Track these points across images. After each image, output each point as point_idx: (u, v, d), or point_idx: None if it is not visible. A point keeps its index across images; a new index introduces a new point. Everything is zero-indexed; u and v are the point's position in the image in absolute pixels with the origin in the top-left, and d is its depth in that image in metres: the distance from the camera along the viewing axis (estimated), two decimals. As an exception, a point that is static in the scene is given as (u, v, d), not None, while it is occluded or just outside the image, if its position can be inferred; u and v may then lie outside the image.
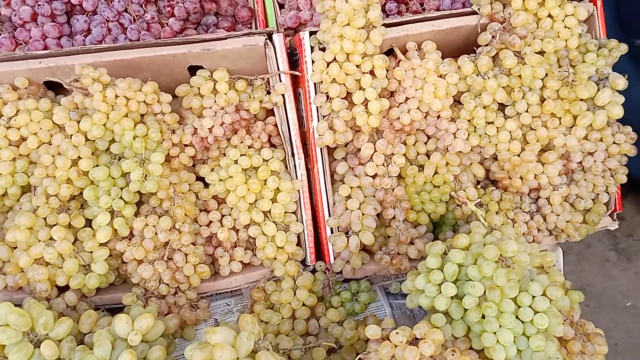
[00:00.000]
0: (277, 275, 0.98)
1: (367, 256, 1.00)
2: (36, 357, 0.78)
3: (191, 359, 0.69)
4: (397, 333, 0.71)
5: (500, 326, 0.72)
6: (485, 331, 0.73)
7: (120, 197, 0.92)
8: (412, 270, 0.95)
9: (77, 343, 0.82)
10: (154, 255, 0.94)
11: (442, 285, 0.76)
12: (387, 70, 0.95)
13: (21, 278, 0.91)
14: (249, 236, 0.99)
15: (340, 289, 1.00)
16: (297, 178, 0.99)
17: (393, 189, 0.98)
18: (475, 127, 0.99)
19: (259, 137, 1.00)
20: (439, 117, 0.98)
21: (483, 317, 0.74)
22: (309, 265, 1.01)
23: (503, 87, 0.95)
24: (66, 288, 0.93)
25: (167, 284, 0.94)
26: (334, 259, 1.00)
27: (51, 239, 0.90)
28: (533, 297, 0.74)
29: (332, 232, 0.99)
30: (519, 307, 0.74)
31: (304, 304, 0.96)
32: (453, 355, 0.69)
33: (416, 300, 0.80)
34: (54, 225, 0.90)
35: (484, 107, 0.97)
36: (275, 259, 0.98)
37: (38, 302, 0.82)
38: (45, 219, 0.90)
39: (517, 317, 0.73)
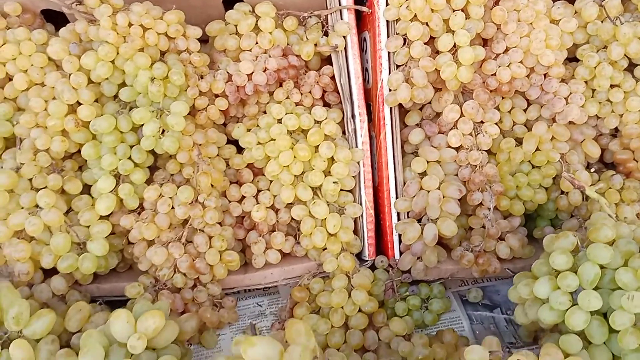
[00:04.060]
0: (327, 270, 0.76)
1: (444, 252, 0.77)
2: (2, 360, 0.57)
3: (215, 382, 0.47)
4: (518, 360, 0.48)
5: (671, 360, 0.49)
6: (648, 365, 0.49)
7: (129, 158, 0.71)
8: (503, 271, 0.73)
9: (62, 345, 0.62)
10: (168, 235, 0.73)
11: (579, 296, 0.53)
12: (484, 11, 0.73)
13: (-3, 256, 0.70)
14: (292, 218, 0.77)
15: (407, 294, 0.77)
16: (357, 146, 0.76)
17: (482, 167, 0.75)
18: (594, 91, 0.76)
19: (310, 91, 0.77)
20: (546, 75, 0.75)
21: (642, 344, 0.50)
22: (367, 261, 0.79)
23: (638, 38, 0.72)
24: (55, 272, 0.72)
25: (184, 274, 0.73)
26: (401, 253, 0.77)
27: (37, 206, 0.69)
28: None
29: (399, 219, 0.77)
30: (694, 332, 0.50)
31: (360, 310, 0.73)
32: (604, 399, 0.46)
33: (534, 314, 0.57)
34: (41, 189, 0.69)
35: (611, 63, 0.73)
36: (325, 249, 0.76)
37: (11, 288, 0.62)
38: (30, 180, 0.70)
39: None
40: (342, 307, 0.73)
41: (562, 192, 0.79)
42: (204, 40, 0.79)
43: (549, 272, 0.57)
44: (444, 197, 0.73)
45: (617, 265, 0.54)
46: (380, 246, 0.81)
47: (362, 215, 0.77)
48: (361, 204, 0.77)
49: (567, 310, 0.53)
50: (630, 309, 0.50)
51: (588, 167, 0.81)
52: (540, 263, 0.59)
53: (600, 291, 0.54)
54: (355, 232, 0.79)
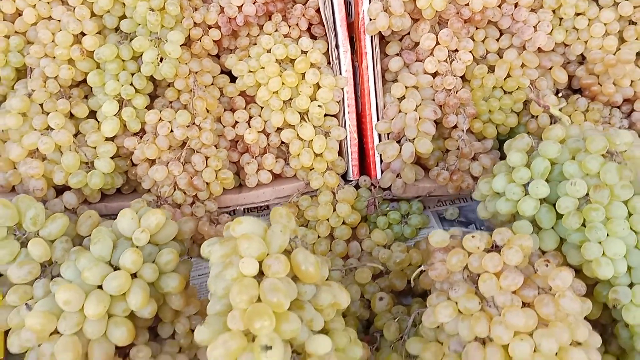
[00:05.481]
0: (313, 187, 0.82)
1: (422, 171, 0.84)
2: (22, 256, 0.64)
3: (209, 256, 0.54)
4: (472, 237, 0.55)
5: (608, 235, 0.55)
6: (588, 240, 0.56)
7: (131, 84, 0.77)
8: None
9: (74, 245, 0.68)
10: (168, 155, 0.79)
11: (529, 185, 0.60)
12: (457, -57, 0.78)
13: (13, 175, 0.77)
14: (282, 141, 0.83)
15: (388, 209, 0.84)
16: (340, 74, 0.83)
17: (457, 91, 0.81)
18: (561, 19, 0.82)
19: (297, 24, 0.83)
20: (516, 5, 0.80)
21: (584, 225, 0.57)
22: (351, 181, 0.86)
23: (601, -33, 0.77)
24: (66, 191, 0.79)
25: (184, 191, 0.79)
26: (382, 172, 0.84)
27: (48, 128, 0.75)
28: (651, 201, 0.57)
29: (380, 140, 0.83)
30: (631, 214, 0.57)
31: (344, 222, 0.81)
32: (547, 266, 0.53)
33: (492, 207, 0.64)
34: (52, 112, 0.75)
35: (575, -8, 0.79)
36: (312, 168, 0.82)
37: (27, 196, 0.68)
38: (41, 105, 0.76)
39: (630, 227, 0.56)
40: (328, 220, 0.80)
41: (532, 116, 0.85)
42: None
43: (506, 170, 0.63)
44: (420, 118, 0.79)
45: (565, 159, 0.60)
46: (364, 169, 0.87)
47: (346, 138, 0.83)
48: (345, 127, 0.83)
49: (519, 199, 0.60)
50: (574, 193, 0.57)
51: (557, 93, 0.87)
52: (499, 164, 0.65)
53: (550, 184, 0.60)
54: (341, 155, 0.85)
